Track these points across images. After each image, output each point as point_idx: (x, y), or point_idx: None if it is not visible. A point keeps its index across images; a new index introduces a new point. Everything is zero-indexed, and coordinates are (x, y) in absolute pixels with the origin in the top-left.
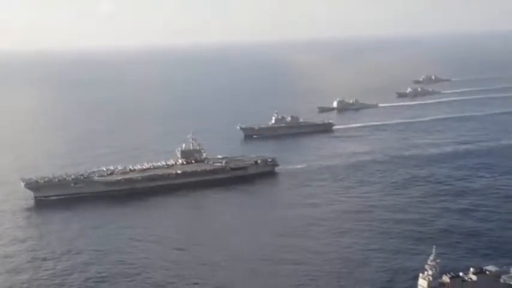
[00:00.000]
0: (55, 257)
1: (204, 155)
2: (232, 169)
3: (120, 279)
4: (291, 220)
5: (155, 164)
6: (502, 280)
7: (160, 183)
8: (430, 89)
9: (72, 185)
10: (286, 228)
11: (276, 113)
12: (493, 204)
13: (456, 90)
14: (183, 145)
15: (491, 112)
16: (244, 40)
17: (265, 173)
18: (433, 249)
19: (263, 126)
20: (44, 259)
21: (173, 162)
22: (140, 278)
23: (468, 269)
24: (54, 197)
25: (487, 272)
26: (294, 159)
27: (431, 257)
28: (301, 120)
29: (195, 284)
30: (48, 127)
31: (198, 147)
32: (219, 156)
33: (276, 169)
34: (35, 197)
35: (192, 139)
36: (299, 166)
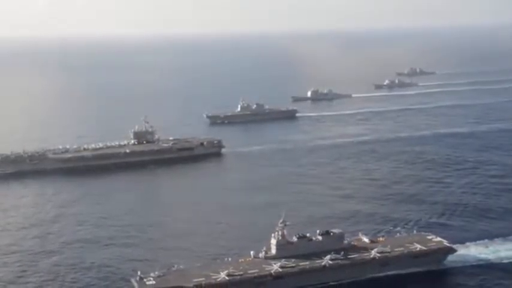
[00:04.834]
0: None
1: (156, 136)
2: (179, 149)
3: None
4: (228, 190)
5: (108, 144)
6: (345, 241)
7: (111, 161)
8: (408, 81)
9: (28, 161)
10: (222, 197)
11: (242, 101)
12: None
13: (433, 83)
14: (136, 127)
15: (454, 103)
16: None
17: (212, 154)
18: (283, 213)
19: (229, 114)
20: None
21: (126, 143)
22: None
23: (316, 231)
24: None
25: (331, 234)
26: (247, 143)
27: (280, 220)
28: (266, 107)
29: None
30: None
31: (150, 129)
32: (171, 138)
33: (223, 150)
34: None
35: (145, 121)
36: (246, 149)
